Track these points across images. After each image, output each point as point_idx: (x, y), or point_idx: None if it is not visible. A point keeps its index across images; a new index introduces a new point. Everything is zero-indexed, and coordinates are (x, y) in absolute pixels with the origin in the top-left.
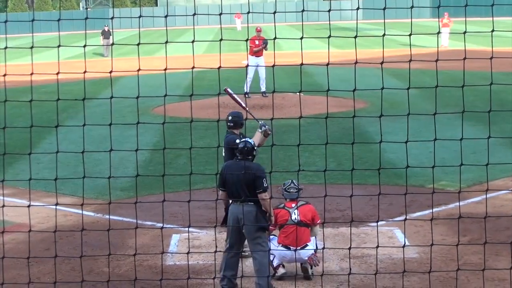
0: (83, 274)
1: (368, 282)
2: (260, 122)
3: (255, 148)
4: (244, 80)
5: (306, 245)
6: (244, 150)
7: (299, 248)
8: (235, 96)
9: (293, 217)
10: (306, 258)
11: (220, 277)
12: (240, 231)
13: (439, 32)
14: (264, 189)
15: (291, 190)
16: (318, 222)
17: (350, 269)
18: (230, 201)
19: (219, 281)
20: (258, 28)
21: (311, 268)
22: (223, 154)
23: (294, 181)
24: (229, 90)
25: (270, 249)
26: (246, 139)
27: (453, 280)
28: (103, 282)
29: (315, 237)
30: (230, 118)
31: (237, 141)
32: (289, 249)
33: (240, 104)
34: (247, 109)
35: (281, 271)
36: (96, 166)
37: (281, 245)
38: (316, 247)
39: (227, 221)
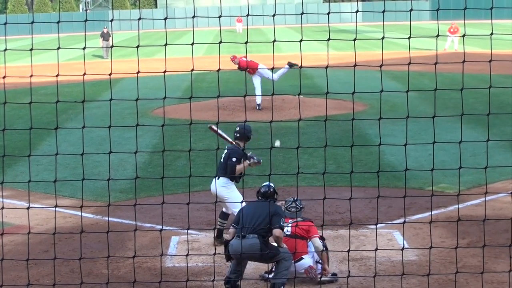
0: (82, 276)
1: (367, 284)
2: (249, 154)
3: (277, 192)
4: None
5: (302, 258)
6: (267, 193)
7: (293, 261)
8: (221, 132)
9: (285, 229)
10: (303, 271)
11: (224, 280)
12: (244, 262)
13: (437, 35)
14: (280, 226)
15: (291, 210)
16: (314, 235)
17: (349, 271)
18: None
19: (223, 283)
20: (232, 58)
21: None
22: (221, 160)
23: (296, 200)
24: (213, 127)
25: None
26: (268, 183)
27: (452, 283)
28: (102, 284)
29: (319, 241)
30: (237, 129)
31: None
32: None
33: (227, 139)
34: (234, 142)
35: (271, 276)
36: (95, 168)
37: None
38: (325, 249)
39: (230, 254)
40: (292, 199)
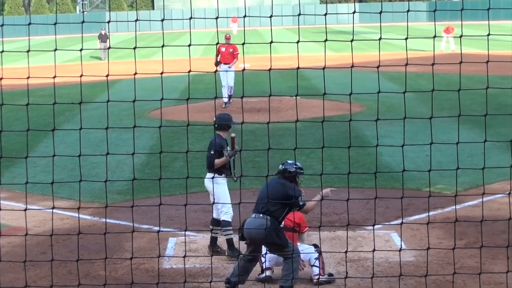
0: (80, 278)
1: (364, 285)
2: (229, 152)
3: (297, 174)
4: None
5: None
6: (286, 172)
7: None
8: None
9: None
10: None
11: (225, 281)
12: (256, 243)
13: (434, 36)
14: (301, 206)
15: None
16: (304, 230)
17: (347, 272)
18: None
19: (224, 281)
20: (227, 35)
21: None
22: (208, 155)
23: None
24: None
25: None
26: (292, 162)
27: (449, 284)
28: (99, 285)
29: (312, 248)
30: (214, 119)
31: (226, 150)
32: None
33: (233, 146)
34: (236, 148)
35: (266, 273)
36: (93, 169)
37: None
38: (318, 256)
39: (243, 234)
40: None
